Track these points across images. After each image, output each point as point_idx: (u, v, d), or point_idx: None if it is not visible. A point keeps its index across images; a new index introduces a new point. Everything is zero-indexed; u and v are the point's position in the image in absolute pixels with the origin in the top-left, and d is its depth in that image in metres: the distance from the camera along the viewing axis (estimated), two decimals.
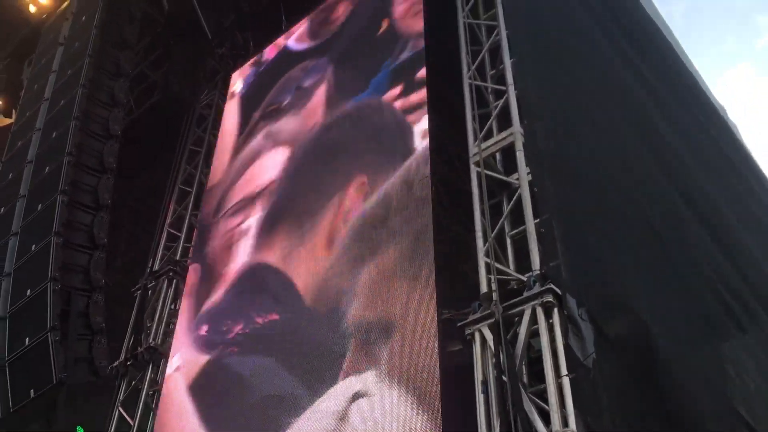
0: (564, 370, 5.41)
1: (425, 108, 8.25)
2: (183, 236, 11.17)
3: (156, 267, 10.76)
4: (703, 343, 7.38)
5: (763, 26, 46.99)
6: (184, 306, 9.75)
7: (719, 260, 8.64)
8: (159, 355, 9.52)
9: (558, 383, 5.38)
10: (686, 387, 6.48)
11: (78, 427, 9.04)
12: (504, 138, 7.43)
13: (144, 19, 12.68)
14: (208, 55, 13.31)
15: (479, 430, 5.52)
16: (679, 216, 8.67)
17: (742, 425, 6.78)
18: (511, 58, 8.07)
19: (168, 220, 11.45)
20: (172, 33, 13.39)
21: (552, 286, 5.89)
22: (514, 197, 6.97)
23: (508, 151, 7.40)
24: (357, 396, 6.61)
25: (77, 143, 10.33)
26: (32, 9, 14.45)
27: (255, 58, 12.47)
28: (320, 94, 10.25)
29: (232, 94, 12.29)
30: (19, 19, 14.72)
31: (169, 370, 9.18)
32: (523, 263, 6.56)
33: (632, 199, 8.02)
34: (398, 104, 8.77)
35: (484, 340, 6.05)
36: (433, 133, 8.08)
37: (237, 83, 12.39)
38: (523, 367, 5.74)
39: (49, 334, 8.58)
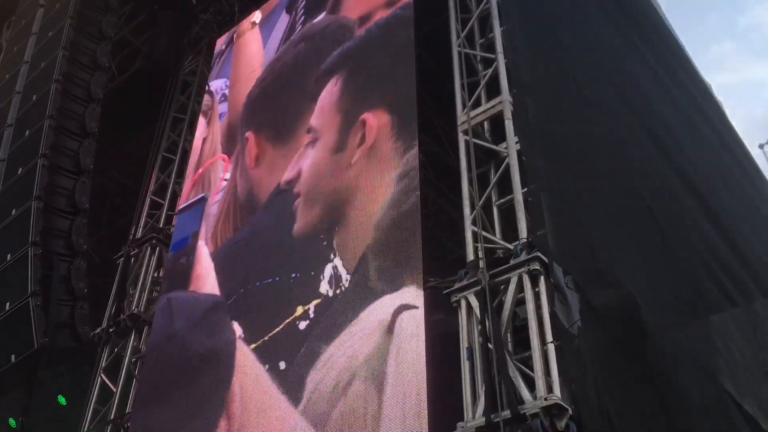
0: (549, 338, 5.39)
1: None
2: (166, 204, 10.99)
3: (139, 234, 10.61)
4: (691, 316, 7.36)
5: (746, 3, 46.85)
6: None
7: (710, 233, 8.64)
8: (141, 323, 9.41)
9: (543, 350, 5.36)
10: (672, 359, 6.47)
11: (59, 397, 8.97)
12: (493, 106, 7.33)
13: None
14: (192, 20, 13.01)
15: (464, 395, 5.49)
16: (670, 189, 8.63)
17: (727, 398, 6.81)
18: (501, 27, 7.94)
19: (151, 188, 11.26)
20: None
21: (539, 254, 5.85)
22: (502, 166, 6.89)
23: (497, 122, 7.31)
24: None
25: (58, 106, 10.15)
26: None
27: None
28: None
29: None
30: None
31: None
32: (509, 233, 6.51)
33: (622, 171, 7.96)
34: None
35: (470, 307, 6.01)
36: (420, 107, 7.95)
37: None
38: (509, 334, 5.71)
39: (30, 299, 8.48)
